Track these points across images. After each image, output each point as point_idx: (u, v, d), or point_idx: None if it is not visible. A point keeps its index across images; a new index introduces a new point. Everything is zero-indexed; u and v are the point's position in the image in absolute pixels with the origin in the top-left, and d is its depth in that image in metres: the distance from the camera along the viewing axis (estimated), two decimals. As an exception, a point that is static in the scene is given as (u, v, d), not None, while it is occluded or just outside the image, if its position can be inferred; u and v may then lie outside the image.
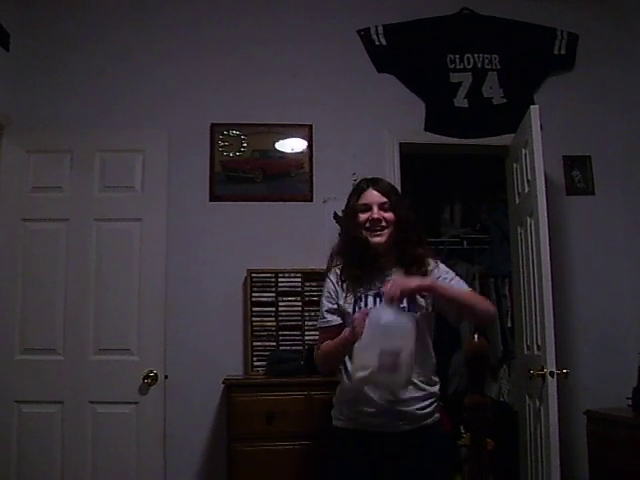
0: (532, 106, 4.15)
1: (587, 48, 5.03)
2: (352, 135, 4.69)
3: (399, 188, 4.62)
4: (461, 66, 4.87)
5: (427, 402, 2.81)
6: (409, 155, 4.85)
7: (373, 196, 2.91)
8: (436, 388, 2.88)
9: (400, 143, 4.71)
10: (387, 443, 2.75)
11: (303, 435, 3.83)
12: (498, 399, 5.53)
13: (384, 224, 2.86)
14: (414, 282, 2.65)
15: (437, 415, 2.86)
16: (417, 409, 2.77)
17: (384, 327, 2.51)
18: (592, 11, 5.09)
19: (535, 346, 4.07)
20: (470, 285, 5.46)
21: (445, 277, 2.85)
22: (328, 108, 4.71)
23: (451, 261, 5.65)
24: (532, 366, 4.01)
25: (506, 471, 4.97)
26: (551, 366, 3.75)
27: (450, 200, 6.06)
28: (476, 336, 1.83)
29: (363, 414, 2.78)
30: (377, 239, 2.84)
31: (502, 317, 5.47)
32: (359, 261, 2.88)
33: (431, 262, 2.84)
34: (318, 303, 4.34)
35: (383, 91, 4.78)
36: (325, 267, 3.19)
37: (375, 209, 2.87)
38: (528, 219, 4.14)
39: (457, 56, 4.88)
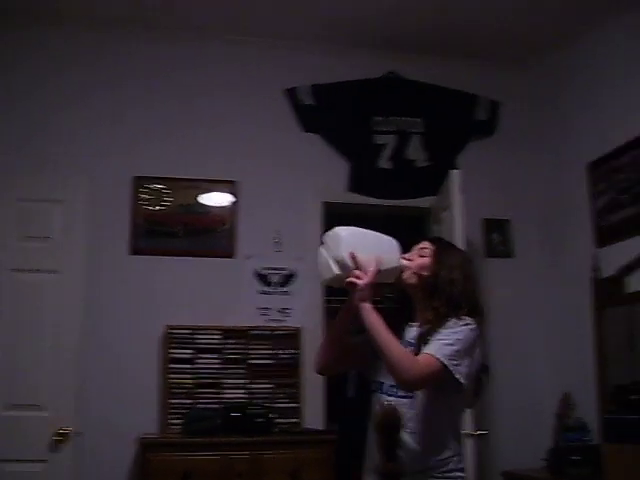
0: (453, 170, 4.25)
1: (508, 115, 5.20)
2: (276, 193, 4.71)
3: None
4: (386, 128, 4.95)
5: None
6: (334, 214, 4.86)
7: (420, 244, 2.77)
8: None
9: (323, 202, 4.75)
10: None
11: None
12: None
13: (412, 264, 2.63)
14: (364, 279, 2.42)
15: None
16: None
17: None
18: (513, 80, 5.28)
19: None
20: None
21: (439, 334, 2.47)
22: (253, 165, 4.72)
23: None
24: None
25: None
26: (468, 428, 3.75)
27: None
28: (389, 403, 1.80)
29: None
30: (404, 275, 2.62)
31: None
32: (397, 298, 2.79)
33: (452, 320, 2.49)
34: (237, 361, 4.37)
35: (308, 150, 4.82)
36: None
37: (414, 250, 2.75)
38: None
39: (382, 118, 4.96)
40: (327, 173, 4.82)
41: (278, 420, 4.30)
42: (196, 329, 4.39)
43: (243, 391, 4.38)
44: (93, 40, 4.66)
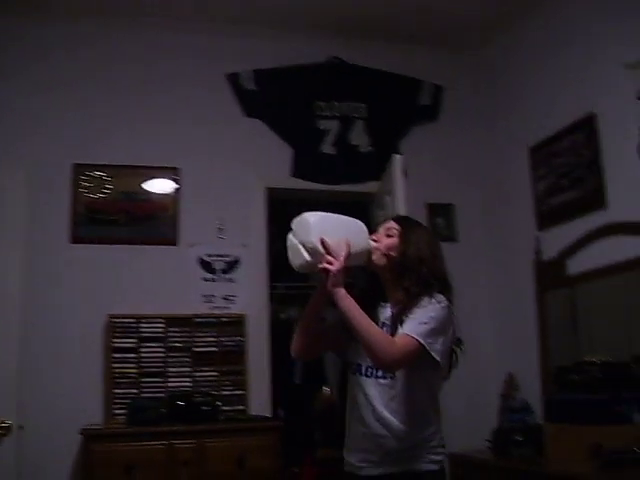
0: (395, 155, 4.25)
1: (451, 100, 5.22)
2: (219, 179, 4.66)
3: (264, 232, 4.64)
4: (329, 113, 4.94)
5: None
6: (278, 199, 4.85)
7: (385, 223, 2.74)
8: None
9: (267, 188, 4.73)
10: None
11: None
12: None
13: (380, 245, 2.59)
14: (336, 264, 2.37)
15: None
16: None
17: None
18: (456, 65, 5.32)
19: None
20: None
21: (413, 313, 2.46)
22: (195, 151, 4.66)
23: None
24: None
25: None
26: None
27: (318, 244, 6.08)
28: (327, 391, 1.78)
29: None
30: (373, 256, 2.58)
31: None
32: (368, 281, 2.77)
33: (425, 299, 2.48)
34: (181, 349, 4.34)
35: (251, 136, 4.78)
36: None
37: (379, 231, 2.73)
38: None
39: (325, 103, 4.95)
40: (270, 159, 4.78)
41: (224, 408, 4.28)
42: (139, 318, 4.34)
43: (188, 379, 4.35)
44: (32, 27, 4.53)
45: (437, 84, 5.20)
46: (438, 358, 2.39)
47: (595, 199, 4.02)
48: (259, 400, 4.46)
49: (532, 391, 4.27)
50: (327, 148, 4.89)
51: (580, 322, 4.28)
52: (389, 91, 5.09)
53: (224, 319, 4.48)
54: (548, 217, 4.45)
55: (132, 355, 4.29)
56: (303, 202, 5.27)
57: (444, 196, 5.01)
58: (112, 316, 4.29)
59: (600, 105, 4.04)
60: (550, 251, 4.36)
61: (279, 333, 5.32)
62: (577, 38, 4.27)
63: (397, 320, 2.47)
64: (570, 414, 3.44)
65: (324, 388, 1.66)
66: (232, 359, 4.44)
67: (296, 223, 2.53)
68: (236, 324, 4.49)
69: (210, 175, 4.65)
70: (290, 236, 2.52)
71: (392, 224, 2.64)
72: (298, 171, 4.80)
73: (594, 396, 3.31)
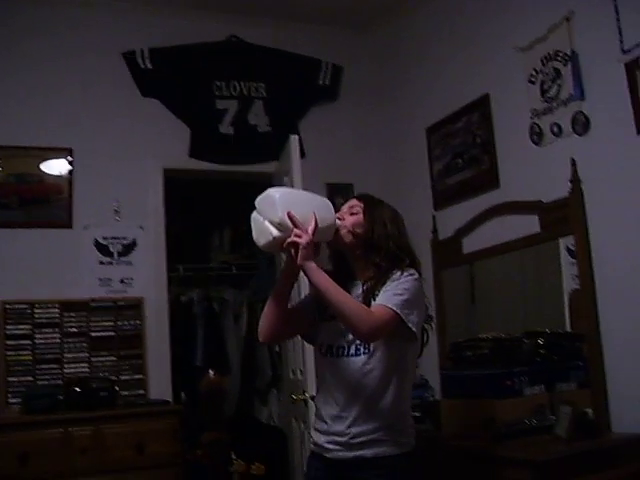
0: (291, 135, 4.23)
1: (351, 80, 5.22)
2: (115, 160, 4.54)
3: (162, 213, 4.57)
4: (227, 93, 4.88)
5: None
6: (176, 180, 4.78)
7: (348, 201, 2.71)
8: None
9: (164, 169, 4.65)
10: None
11: (63, 474, 3.66)
12: (269, 423, 5.56)
13: (346, 223, 2.59)
14: (306, 237, 2.36)
15: None
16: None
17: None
18: (356, 45, 5.32)
19: (298, 371, 4.12)
20: (238, 310, 5.58)
21: (386, 286, 2.48)
22: (90, 131, 4.53)
23: (220, 287, 5.65)
24: (295, 390, 4.06)
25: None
26: (311, 391, 3.79)
27: (219, 225, 6.05)
28: (212, 373, 1.76)
29: None
30: (340, 233, 2.57)
31: (271, 342, 5.52)
32: (333, 260, 2.71)
33: (397, 273, 2.49)
34: (78, 334, 4.24)
35: (148, 116, 4.67)
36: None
37: (343, 209, 2.68)
38: (290, 245, 4.19)
39: (223, 83, 4.88)
40: (167, 139, 4.69)
41: (123, 393, 4.24)
42: (33, 303, 4.22)
43: (86, 365, 4.27)
44: None
45: (336, 64, 5.19)
46: (414, 329, 2.42)
47: (489, 179, 4.11)
48: (159, 384, 4.39)
49: (430, 368, 4.34)
50: (225, 128, 4.82)
51: (477, 299, 4.38)
52: (288, 71, 5.05)
53: (121, 303, 4.40)
54: (444, 197, 4.52)
55: (26, 342, 4.18)
56: (205, 181, 5.27)
57: (343, 176, 5.03)
58: (5, 302, 4.16)
59: (494, 87, 4.13)
60: (447, 230, 4.43)
61: (180, 316, 5.30)
62: (472, 21, 4.34)
63: (369, 296, 2.48)
64: (464, 389, 3.51)
65: (210, 371, 1.63)
66: (130, 343, 4.37)
67: (260, 200, 2.51)
68: (134, 308, 4.42)
69: (105, 156, 4.52)
70: (254, 214, 2.50)
71: (355, 202, 2.66)
72: (196, 151, 4.72)
73: (486, 371, 3.39)
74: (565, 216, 3.52)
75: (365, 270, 2.56)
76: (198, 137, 4.75)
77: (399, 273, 2.47)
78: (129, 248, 4.49)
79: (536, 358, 3.46)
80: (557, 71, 3.60)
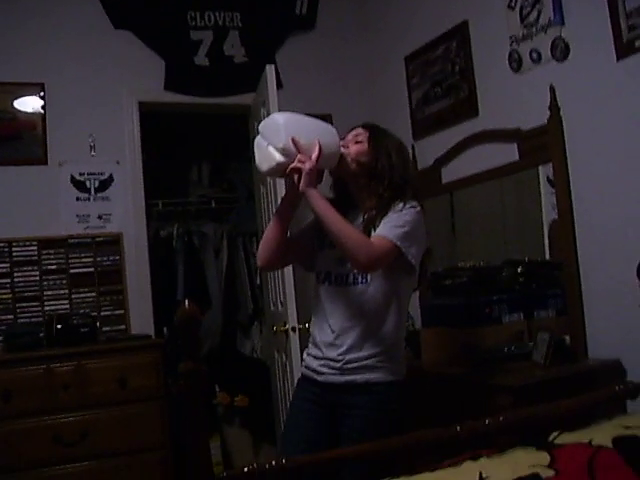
0: (268, 65, 4.15)
1: (328, 9, 5.11)
2: (89, 94, 4.44)
3: (139, 147, 4.51)
4: (202, 24, 4.76)
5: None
6: (152, 114, 4.71)
7: (354, 130, 2.65)
8: None
9: (140, 102, 4.56)
10: None
11: (46, 410, 3.69)
12: (251, 355, 5.61)
13: (350, 151, 2.56)
14: (309, 163, 2.36)
15: None
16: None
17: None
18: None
19: (279, 303, 4.13)
20: (219, 245, 5.56)
21: (387, 217, 2.46)
22: (62, 66, 4.41)
23: (200, 221, 5.62)
24: (276, 322, 4.08)
25: (262, 425, 5.09)
26: (292, 322, 3.83)
27: (198, 159, 5.99)
28: (187, 302, 1.76)
29: None
30: (345, 161, 2.55)
31: (251, 274, 5.53)
32: (335, 189, 2.70)
33: (399, 204, 2.47)
34: (57, 272, 4.22)
35: (121, 48, 4.56)
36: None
37: (348, 137, 2.64)
38: (269, 178, 4.16)
39: (198, 13, 4.76)
40: (142, 72, 4.58)
41: (104, 328, 4.26)
42: (11, 241, 4.18)
43: (66, 302, 4.26)
44: None
45: (313, -8, 5.08)
46: (414, 262, 2.42)
47: (467, 107, 4.07)
48: (140, 319, 4.41)
49: (412, 297, 4.37)
50: (200, 60, 4.71)
51: (457, 229, 4.38)
52: (264, 0, 4.94)
53: (100, 239, 4.37)
54: (423, 126, 4.48)
55: (5, 280, 4.16)
56: (182, 115, 5.20)
57: (322, 106, 4.92)
58: (-19, 241, 4.12)
59: (472, 14, 4.05)
60: (426, 160, 4.40)
61: (160, 251, 5.29)
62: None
63: (369, 226, 2.48)
64: (443, 318, 3.55)
65: (186, 301, 1.62)
66: (110, 279, 4.36)
67: (264, 125, 2.49)
68: (113, 243, 4.39)
69: (79, 90, 4.42)
70: (258, 139, 2.48)
71: (360, 130, 2.63)
72: (171, 84, 4.62)
73: (465, 300, 3.42)
74: (544, 144, 3.50)
75: (367, 200, 2.55)
76: (173, 69, 4.64)
77: (401, 204, 2.47)
78: (106, 184, 4.44)
79: (515, 286, 3.49)
80: (537, -4, 3.54)
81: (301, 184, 2.38)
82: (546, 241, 3.76)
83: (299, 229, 2.76)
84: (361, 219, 2.54)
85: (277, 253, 2.60)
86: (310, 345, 2.65)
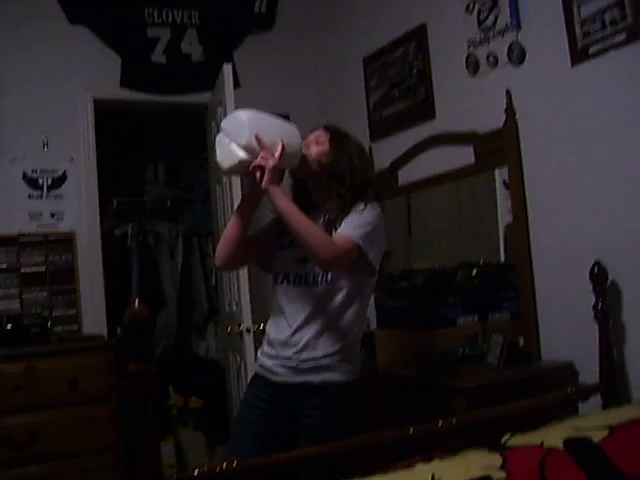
0: (225, 64, 4.12)
1: (287, 8, 5.10)
2: (43, 90, 4.36)
3: (93, 145, 4.46)
4: (159, 21, 4.71)
5: None
6: (108, 111, 4.65)
7: (315, 131, 2.65)
8: None
9: (95, 99, 4.49)
10: None
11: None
12: (206, 357, 5.58)
13: (312, 151, 2.56)
14: (272, 160, 2.35)
15: None
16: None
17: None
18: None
19: (234, 303, 4.11)
20: (174, 244, 5.52)
21: (349, 217, 2.47)
22: (15, 60, 4.32)
23: (155, 220, 5.57)
24: (231, 323, 4.05)
25: (217, 427, 5.05)
26: (247, 323, 3.81)
27: (154, 158, 5.94)
28: (136, 302, 1.74)
29: None
30: (307, 161, 2.55)
31: (207, 275, 5.50)
32: (294, 189, 2.68)
33: (360, 205, 2.48)
34: (7, 270, 4.15)
35: (76, 44, 4.48)
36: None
37: (309, 138, 2.62)
38: (225, 177, 4.13)
39: (156, 10, 4.71)
40: (98, 68, 4.51)
41: (56, 328, 4.18)
42: (-40, 239, 4.10)
43: (17, 301, 4.17)
44: None
45: (272, -8, 5.06)
46: (374, 262, 2.42)
47: (424, 110, 4.08)
48: (94, 319, 4.34)
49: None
50: (157, 57, 4.66)
51: (413, 231, 4.40)
52: (223, -2, 4.92)
53: (52, 238, 4.29)
54: (381, 128, 4.48)
55: (-44, 278, 4.08)
56: (139, 112, 5.15)
57: (280, 106, 4.82)
58: None
59: (431, 17, 4.06)
60: (383, 161, 4.41)
61: (114, 250, 5.23)
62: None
63: (331, 227, 2.47)
64: (399, 320, 3.56)
65: (136, 301, 1.59)
66: (63, 278, 4.29)
67: (227, 122, 2.47)
68: (65, 242, 4.31)
69: (32, 86, 4.33)
70: (219, 136, 2.45)
71: (321, 132, 2.63)
72: (127, 81, 4.56)
73: (420, 301, 3.43)
74: (499, 147, 3.52)
75: (328, 201, 2.54)
76: (129, 66, 4.58)
77: (362, 205, 2.48)
78: (59, 181, 4.36)
79: (470, 288, 3.51)
80: (494, 0, 3.56)
81: (264, 181, 2.37)
82: (501, 244, 3.78)
83: (258, 229, 2.76)
84: (321, 220, 2.53)
85: (236, 252, 2.58)
86: (264, 344, 2.64)
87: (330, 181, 2.54)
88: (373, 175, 2.69)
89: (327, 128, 2.66)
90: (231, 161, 2.40)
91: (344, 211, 2.48)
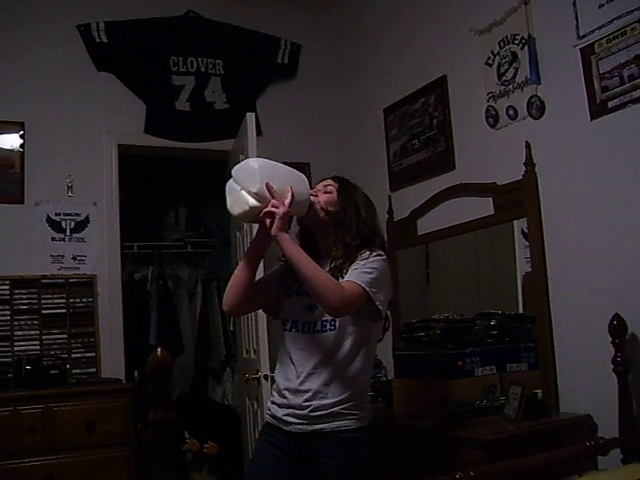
0: (248, 113, 4.20)
1: (309, 59, 5.21)
2: (69, 135, 4.47)
3: (116, 190, 4.52)
4: (184, 69, 4.82)
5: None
6: (130, 157, 4.73)
7: (323, 181, 2.72)
8: None
9: (119, 145, 4.58)
10: None
11: (12, 453, 3.63)
12: (223, 402, 5.56)
13: (320, 199, 2.61)
14: (282, 208, 2.39)
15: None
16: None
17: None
18: (315, 24, 5.30)
19: (252, 350, 4.11)
20: (193, 289, 5.55)
21: (355, 264, 2.50)
22: (44, 105, 4.44)
23: (175, 265, 5.61)
24: (248, 369, 4.05)
25: (232, 473, 5.02)
26: (265, 370, 3.81)
27: (175, 203, 6.00)
28: (159, 349, 1.75)
29: None
30: (314, 209, 2.58)
31: (225, 320, 5.51)
32: (301, 237, 2.72)
33: (366, 252, 2.52)
34: (28, 312, 4.18)
35: (103, 91, 4.60)
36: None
37: (318, 187, 2.68)
38: (245, 224, 4.17)
39: (180, 59, 4.83)
40: (123, 114, 4.62)
41: (74, 371, 4.20)
42: (-17, 280, 4.14)
43: (36, 343, 4.20)
44: None
45: (295, 42, 5.17)
46: (381, 308, 2.44)
47: (444, 160, 4.12)
48: (112, 363, 4.37)
49: (384, 348, 4.34)
50: (181, 105, 4.77)
51: (431, 281, 4.41)
52: (247, 48, 5.01)
53: (73, 280, 4.34)
54: (400, 178, 4.52)
55: (-25, 319, 4.11)
56: (160, 159, 5.22)
57: (300, 155, 4.98)
58: (-46, 278, 4.08)
59: (451, 69, 4.12)
60: (402, 211, 4.44)
61: (134, 294, 5.26)
62: (431, 2, 4.32)
63: (337, 274, 2.49)
64: (415, 369, 3.55)
65: (159, 348, 1.60)
66: (82, 321, 4.32)
67: (238, 170, 2.51)
68: (86, 285, 4.37)
69: (59, 131, 4.44)
70: (230, 183, 2.50)
71: (330, 181, 2.69)
72: (151, 127, 4.67)
73: (438, 352, 3.41)
74: (519, 199, 3.54)
75: (334, 248, 2.58)
76: (153, 113, 4.69)
77: (368, 253, 2.50)
78: (82, 225, 4.43)
79: (488, 339, 3.50)
80: (514, 54, 3.61)
81: (274, 228, 2.40)
82: (520, 294, 3.78)
83: (266, 275, 2.78)
84: (327, 268, 2.54)
85: (244, 297, 2.59)
86: (274, 393, 2.63)
87: (337, 229, 2.58)
88: (379, 225, 2.72)
89: (335, 179, 2.71)
90: (241, 207, 2.45)
91: (350, 259, 2.51)
